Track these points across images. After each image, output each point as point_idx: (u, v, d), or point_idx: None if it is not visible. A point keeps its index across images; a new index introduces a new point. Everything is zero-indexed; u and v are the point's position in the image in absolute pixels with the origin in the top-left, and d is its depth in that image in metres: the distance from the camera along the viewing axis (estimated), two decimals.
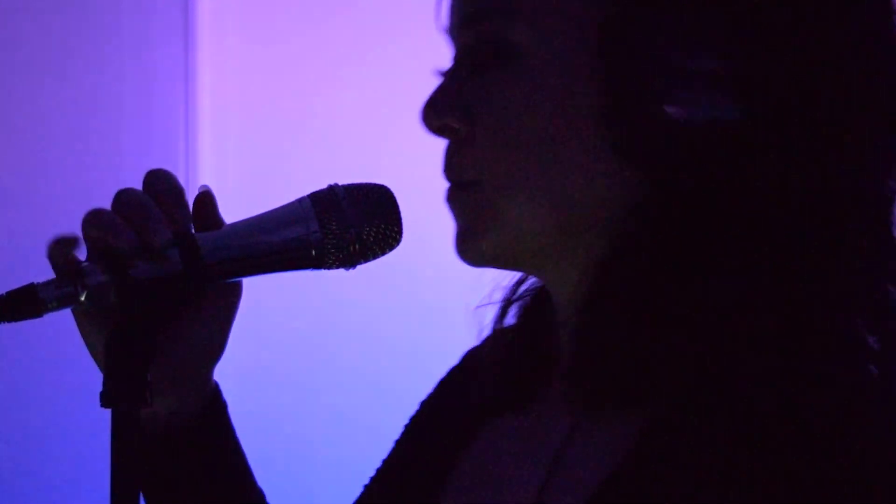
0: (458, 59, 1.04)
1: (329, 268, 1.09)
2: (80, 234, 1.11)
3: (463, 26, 1.03)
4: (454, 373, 1.24)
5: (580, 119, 0.99)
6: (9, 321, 1.04)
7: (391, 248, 1.09)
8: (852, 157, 0.97)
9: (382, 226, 1.08)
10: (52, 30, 2.56)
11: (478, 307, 1.15)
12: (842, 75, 0.97)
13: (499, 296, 1.14)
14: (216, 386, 1.18)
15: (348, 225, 1.07)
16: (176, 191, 1.09)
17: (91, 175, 2.56)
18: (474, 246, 1.02)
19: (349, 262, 1.09)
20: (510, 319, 1.14)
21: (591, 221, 1.00)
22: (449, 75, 1.04)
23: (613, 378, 0.98)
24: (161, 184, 1.10)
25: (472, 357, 1.22)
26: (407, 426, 1.24)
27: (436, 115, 1.02)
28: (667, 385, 0.96)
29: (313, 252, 1.08)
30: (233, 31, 2.64)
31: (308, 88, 2.63)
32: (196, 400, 1.16)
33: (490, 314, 1.15)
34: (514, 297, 1.13)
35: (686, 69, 0.96)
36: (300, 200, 1.09)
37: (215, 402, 1.18)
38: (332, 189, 1.09)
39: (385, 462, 1.23)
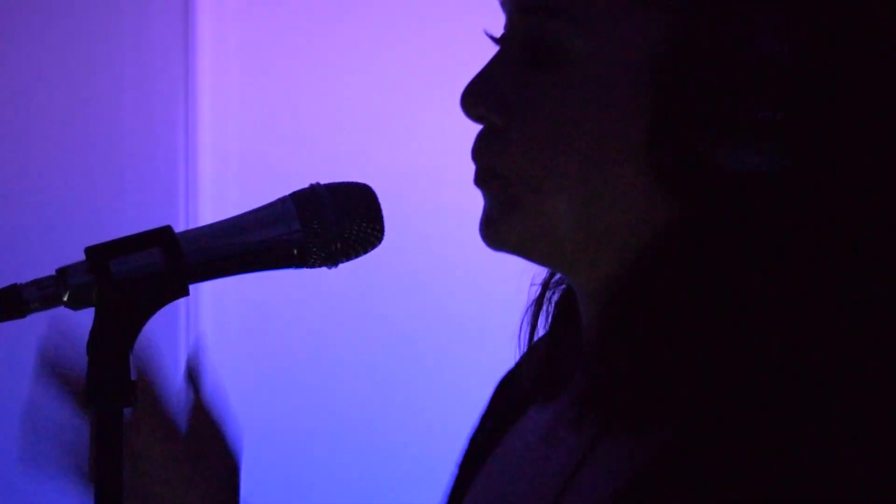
0: (507, 44, 1.02)
1: (312, 266, 1.10)
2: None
3: (518, 11, 1.02)
4: (493, 396, 1.23)
5: (621, 138, 0.97)
6: None
7: (373, 246, 1.10)
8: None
9: (364, 224, 1.08)
10: (52, 30, 2.56)
11: (532, 284, 1.14)
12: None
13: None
14: None
15: (330, 224, 1.08)
16: None
17: (91, 175, 2.57)
18: (498, 233, 1.03)
19: (331, 260, 1.09)
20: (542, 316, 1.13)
21: (616, 234, 0.99)
22: (495, 61, 1.02)
23: (623, 401, 0.97)
24: None
25: (507, 377, 1.21)
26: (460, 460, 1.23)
27: (477, 104, 1.02)
28: (679, 407, 0.95)
29: (295, 251, 1.08)
30: (233, 32, 2.64)
31: (308, 88, 2.64)
32: None
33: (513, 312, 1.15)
34: (548, 288, 1.13)
35: (739, 112, 0.94)
36: (282, 200, 1.09)
37: None
38: (314, 188, 1.09)
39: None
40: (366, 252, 1.09)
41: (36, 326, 1.14)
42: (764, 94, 0.94)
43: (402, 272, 2.52)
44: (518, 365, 1.18)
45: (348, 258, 1.09)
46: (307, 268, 1.10)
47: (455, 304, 2.42)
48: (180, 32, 2.62)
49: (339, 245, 1.08)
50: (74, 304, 1.06)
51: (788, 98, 0.94)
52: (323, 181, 1.11)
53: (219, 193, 2.61)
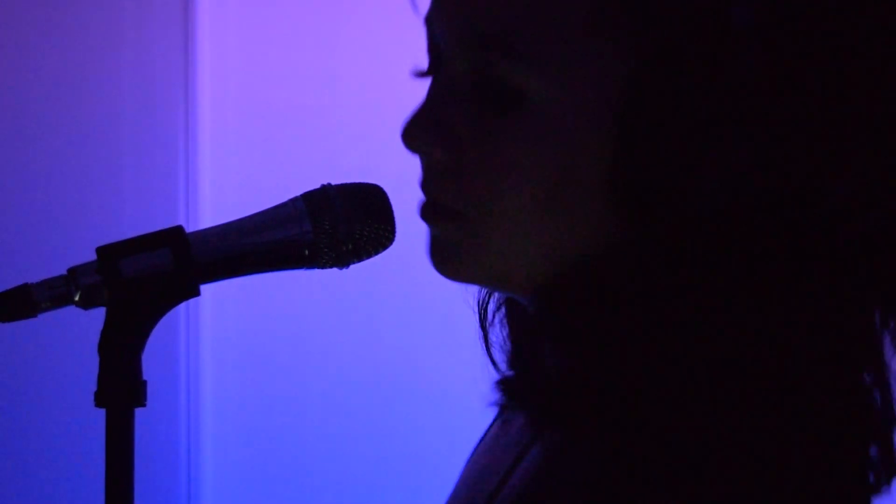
0: (449, 76, 0.97)
1: (322, 267, 1.10)
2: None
3: (460, 45, 0.96)
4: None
5: (582, 171, 0.94)
6: (3, 321, 1.06)
7: (384, 247, 1.10)
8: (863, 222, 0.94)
9: (375, 225, 1.08)
10: (52, 30, 2.57)
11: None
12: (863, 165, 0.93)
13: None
14: None
15: (341, 224, 1.08)
16: None
17: (91, 176, 2.57)
18: (458, 268, 1.00)
19: (342, 261, 1.09)
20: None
21: (577, 260, 0.97)
22: (437, 93, 0.98)
23: (555, 400, 0.97)
24: None
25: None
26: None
27: (420, 140, 0.98)
28: (622, 414, 0.93)
29: (306, 251, 1.08)
30: (233, 31, 2.65)
31: (309, 88, 2.64)
32: None
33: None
34: (489, 298, 1.12)
35: (702, 148, 0.91)
36: (293, 200, 1.09)
37: None
38: (325, 188, 1.09)
39: None
40: (377, 253, 1.09)
41: (32, 327, 1.14)
42: (728, 129, 0.91)
43: (409, 273, 2.52)
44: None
45: (359, 259, 1.09)
46: (318, 268, 1.10)
47: (463, 306, 2.42)
48: (180, 32, 2.62)
49: (350, 246, 1.08)
50: (85, 304, 1.07)
51: (753, 132, 0.91)
52: (323, 181, 1.11)
53: (219, 193, 2.62)
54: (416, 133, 0.98)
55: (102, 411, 1.05)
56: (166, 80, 2.61)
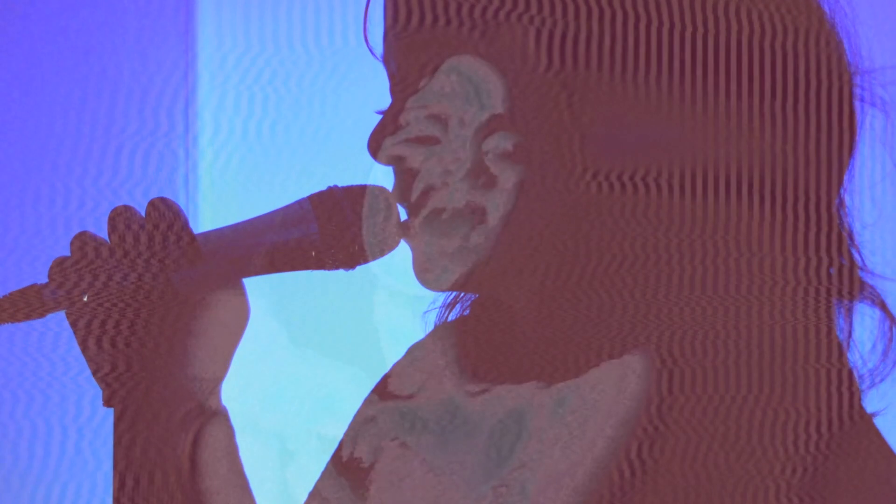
0: (396, 86, 1.07)
1: (329, 269, 1.10)
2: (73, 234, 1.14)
3: (397, 52, 1.06)
4: (399, 367, 1.25)
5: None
6: (12, 322, 1.06)
7: (391, 249, 1.10)
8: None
9: (381, 227, 1.09)
10: (51, 28, 2.57)
11: (425, 312, 1.18)
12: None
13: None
14: (225, 409, 1.20)
15: (347, 226, 1.08)
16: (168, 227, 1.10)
17: (91, 175, 2.57)
18: (438, 278, 1.06)
19: (349, 263, 1.10)
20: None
21: (539, 241, 1.03)
22: (392, 105, 1.07)
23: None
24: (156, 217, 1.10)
25: (418, 349, 1.23)
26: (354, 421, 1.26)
27: (383, 146, 1.05)
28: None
29: (313, 253, 1.09)
30: (233, 30, 2.65)
31: (310, 88, 2.64)
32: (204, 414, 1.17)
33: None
34: (456, 299, 1.17)
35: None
36: (300, 202, 1.10)
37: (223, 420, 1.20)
38: (332, 190, 1.10)
39: (334, 456, 1.26)
40: (383, 255, 1.10)
41: (38, 327, 1.15)
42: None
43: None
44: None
45: (366, 261, 1.10)
46: (325, 270, 1.10)
47: None
48: (181, 31, 2.63)
49: (356, 248, 1.09)
50: (94, 306, 1.07)
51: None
52: (326, 181, 1.12)
53: (219, 193, 2.62)
54: (378, 143, 1.07)
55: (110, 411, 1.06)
56: (166, 78, 2.61)
